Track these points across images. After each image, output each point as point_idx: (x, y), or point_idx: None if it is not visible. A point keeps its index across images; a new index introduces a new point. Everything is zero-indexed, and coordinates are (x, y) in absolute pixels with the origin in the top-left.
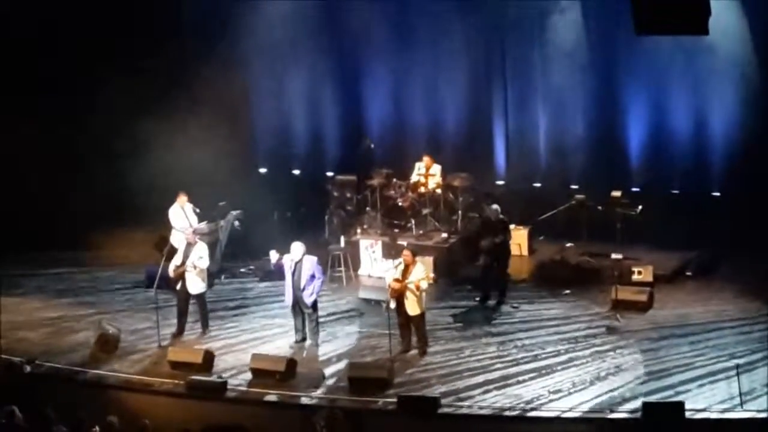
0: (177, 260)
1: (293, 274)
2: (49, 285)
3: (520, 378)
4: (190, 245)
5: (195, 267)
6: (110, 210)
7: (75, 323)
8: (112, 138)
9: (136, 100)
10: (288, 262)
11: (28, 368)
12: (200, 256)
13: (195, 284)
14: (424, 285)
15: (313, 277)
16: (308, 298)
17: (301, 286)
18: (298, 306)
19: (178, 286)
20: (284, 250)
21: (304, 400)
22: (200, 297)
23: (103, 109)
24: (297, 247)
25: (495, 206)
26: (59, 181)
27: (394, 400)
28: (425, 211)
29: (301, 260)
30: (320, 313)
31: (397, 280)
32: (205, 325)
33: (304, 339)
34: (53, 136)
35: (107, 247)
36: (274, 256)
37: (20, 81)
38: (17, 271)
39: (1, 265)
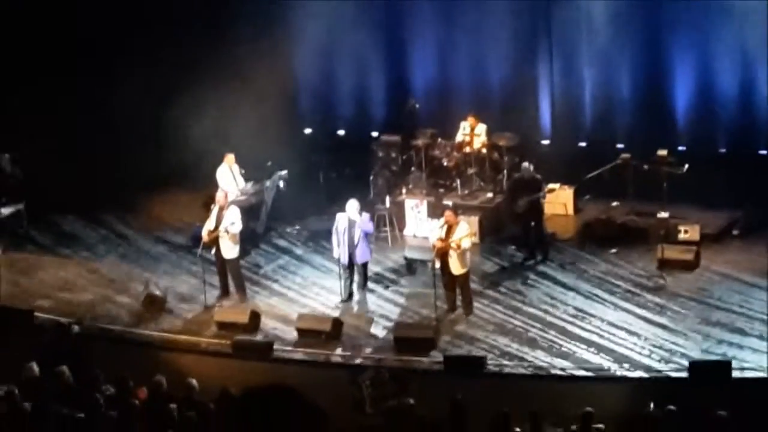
0: (210, 225)
1: (348, 231)
2: (97, 246)
3: (566, 337)
4: (222, 209)
5: (227, 232)
6: (157, 172)
7: (122, 284)
8: (158, 101)
9: (182, 64)
10: (343, 219)
11: (76, 329)
12: (232, 222)
13: (228, 249)
14: (466, 244)
15: (366, 234)
16: (361, 254)
17: (355, 243)
18: (350, 263)
19: (213, 251)
20: (329, 209)
21: (350, 360)
22: (232, 263)
23: (148, 73)
24: (352, 205)
25: (527, 164)
26: (106, 144)
27: (440, 359)
28: (470, 171)
29: (355, 218)
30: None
31: (440, 239)
32: (241, 292)
33: (351, 296)
34: (98, 100)
35: (154, 209)
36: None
37: (61, 42)
38: (66, 231)
39: (49, 227)
